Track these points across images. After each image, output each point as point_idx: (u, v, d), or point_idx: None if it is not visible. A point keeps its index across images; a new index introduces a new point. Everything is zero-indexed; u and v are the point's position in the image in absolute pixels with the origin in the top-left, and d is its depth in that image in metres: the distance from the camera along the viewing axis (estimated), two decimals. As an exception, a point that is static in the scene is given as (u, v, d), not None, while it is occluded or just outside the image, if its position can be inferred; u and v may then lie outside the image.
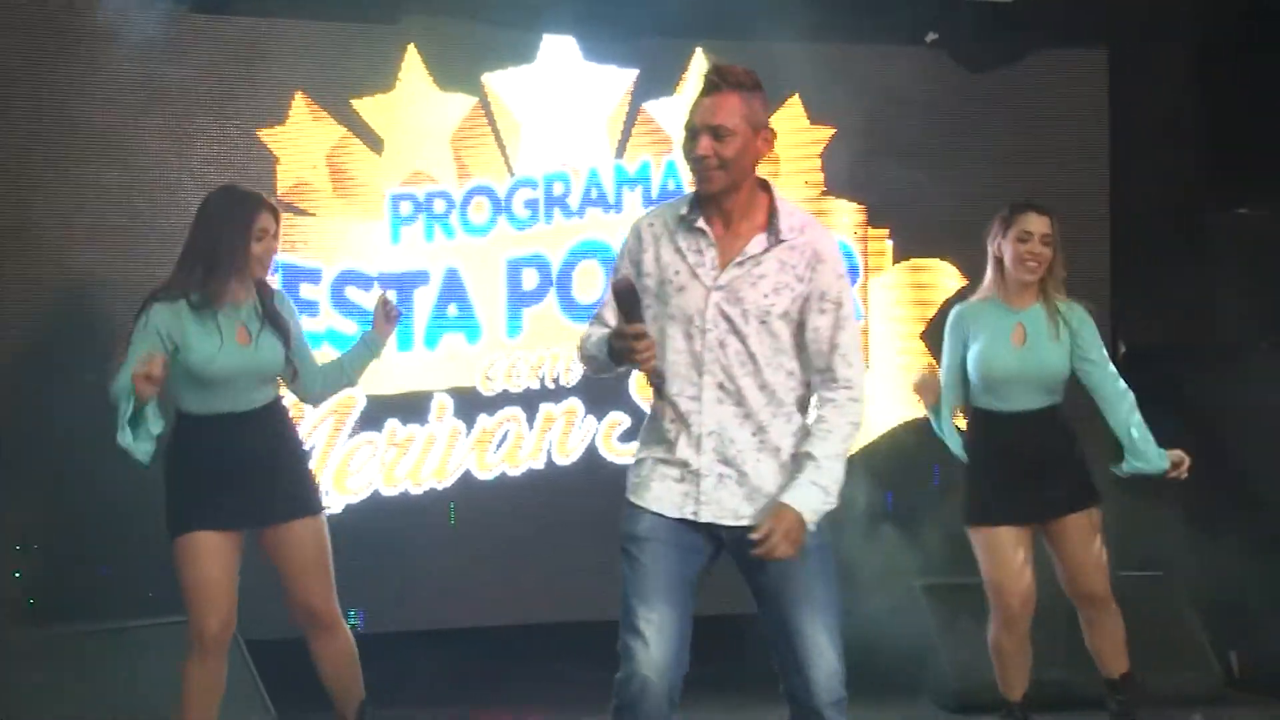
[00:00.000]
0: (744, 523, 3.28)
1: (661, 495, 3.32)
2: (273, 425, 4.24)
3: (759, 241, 3.28)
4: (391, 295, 4.64)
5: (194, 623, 4.13)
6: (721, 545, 3.36)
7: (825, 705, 3.26)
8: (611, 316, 3.37)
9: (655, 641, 3.23)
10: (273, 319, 4.23)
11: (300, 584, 4.23)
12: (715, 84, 3.27)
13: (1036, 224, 4.59)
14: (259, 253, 4.16)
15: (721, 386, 3.27)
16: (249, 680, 5.00)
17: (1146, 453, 4.63)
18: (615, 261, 3.44)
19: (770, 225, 3.29)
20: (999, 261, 4.65)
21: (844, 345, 3.31)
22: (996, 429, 4.64)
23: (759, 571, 3.29)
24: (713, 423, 3.27)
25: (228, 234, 4.12)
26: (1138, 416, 4.63)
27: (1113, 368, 4.69)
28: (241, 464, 4.12)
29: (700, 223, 3.29)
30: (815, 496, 3.24)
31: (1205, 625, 5.66)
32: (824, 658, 3.26)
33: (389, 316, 4.48)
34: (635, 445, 5.67)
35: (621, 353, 3.25)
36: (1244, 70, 6.26)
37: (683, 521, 3.31)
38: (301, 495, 4.26)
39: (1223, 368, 5.96)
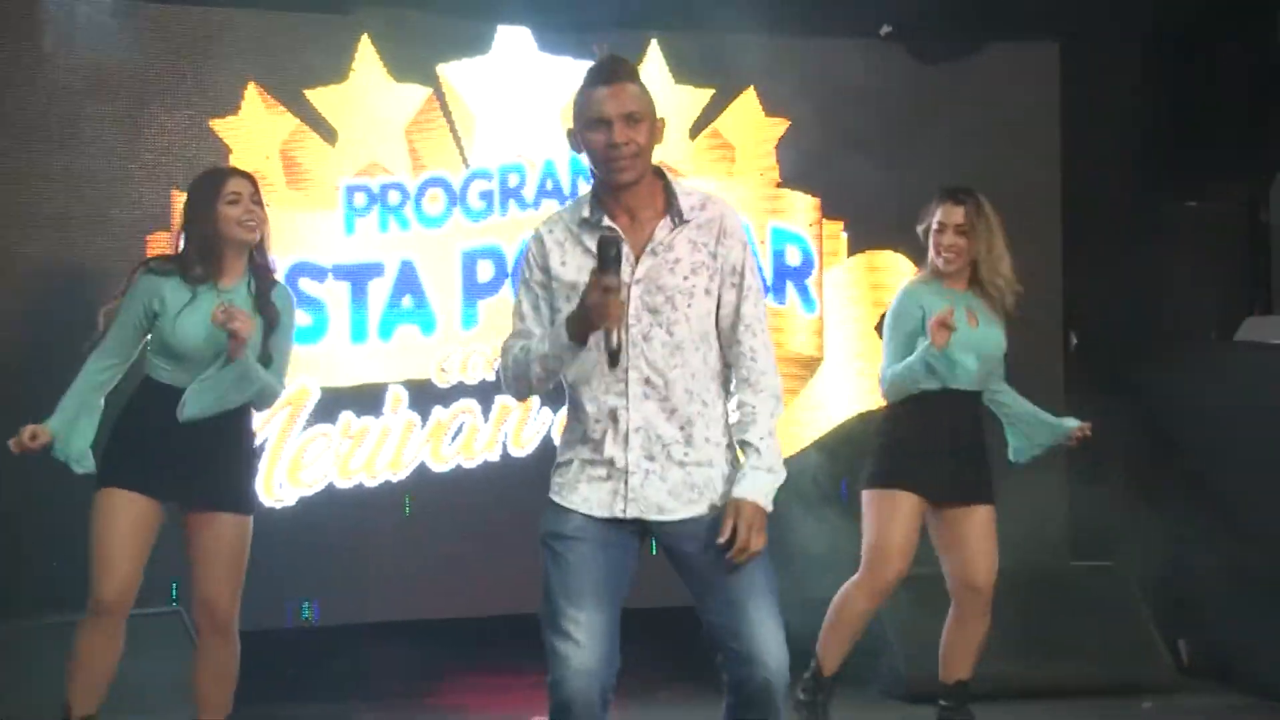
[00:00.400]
0: (669, 518, 3.27)
1: (589, 496, 3.27)
2: (230, 414, 4.18)
3: (664, 226, 3.25)
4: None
5: (92, 584, 4.08)
6: (645, 540, 3.34)
7: (774, 690, 3.24)
8: (536, 327, 3.28)
9: (586, 643, 3.18)
10: (261, 305, 4.17)
11: (209, 577, 4.15)
12: (615, 73, 3.24)
13: (952, 215, 4.61)
14: (236, 214, 4.12)
15: (648, 381, 3.24)
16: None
17: (1061, 423, 4.68)
18: (518, 275, 3.33)
19: (670, 207, 3.27)
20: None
21: (749, 317, 3.30)
22: (924, 404, 4.63)
23: (691, 570, 3.28)
24: (639, 419, 3.24)
25: (203, 207, 4.14)
26: None
27: None
28: (184, 440, 4.07)
29: (606, 221, 3.24)
30: (765, 481, 3.25)
31: (1154, 615, 5.72)
32: (772, 641, 3.24)
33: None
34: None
35: (601, 308, 3.09)
36: (1195, 63, 6.32)
37: (609, 520, 3.27)
38: (235, 490, 4.20)
39: (1172, 359, 6.02)
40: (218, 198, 4.13)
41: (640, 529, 3.30)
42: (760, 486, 3.24)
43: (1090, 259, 6.18)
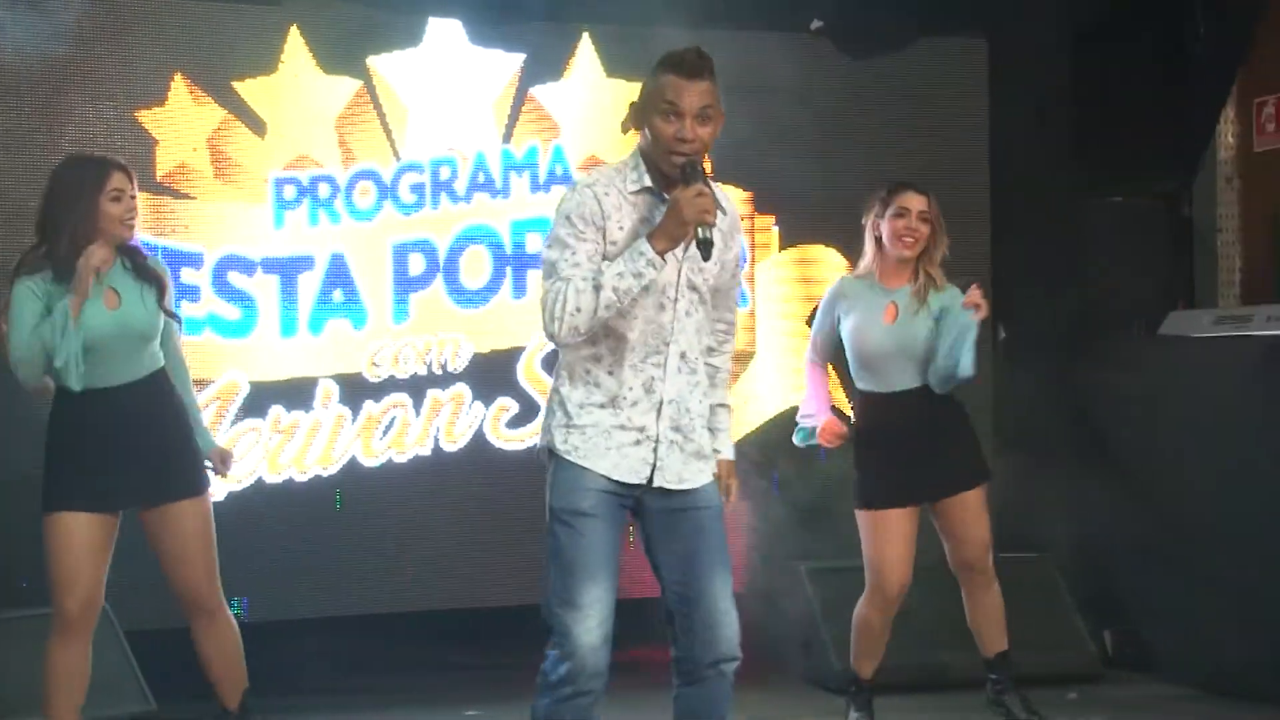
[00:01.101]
0: (685, 486, 3.40)
1: (619, 462, 3.35)
2: (155, 398, 4.15)
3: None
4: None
5: (55, 602, 4.05)
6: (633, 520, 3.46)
7: (725, 665, 3.37)
8: (590, 257, 3.30)
9: (597, 619, 3.29)
10: (144, 274, 4.14)
11: (182, 567, 4.15)
12: (701, 68, 3.34)
13: (914, 201, 4.67)
14: (119, 212, 4.07)
15: (683, 356, 3.40)
16: (128, 670, 4.92)
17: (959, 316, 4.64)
18: (566, 226, 3.34)
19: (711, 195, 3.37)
20: (878, 240, 4.72)
21: (734, 298, 3.62)
22: (880, 411, 4.71)
23: (672, 538, 3.39)
24: (674, 391, 3.38)
25: (83, 201, 4.04)
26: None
27: None
28: (122, 442, 4.05)
29: (665, 194, 3.34)
30: (729, 441, 3.60)
31: (1080, 606, 5.79)
32: (729, 617, 3.38)
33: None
34: (524, 431, 5.77)
35: (700, 210, 3.23)
36: (1119, 60, 6.40)
37: (617, 494, 3.35)
38: (184, 474, 4.17)
39: (1099, 352, 6.09)
40: (100, 192, 4.05)
41: (635, 504, 3.40)
42: (730, 446, 3.60)
43: (1018, 253, 6.24)
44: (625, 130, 3.51)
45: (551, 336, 3.33)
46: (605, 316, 3.27)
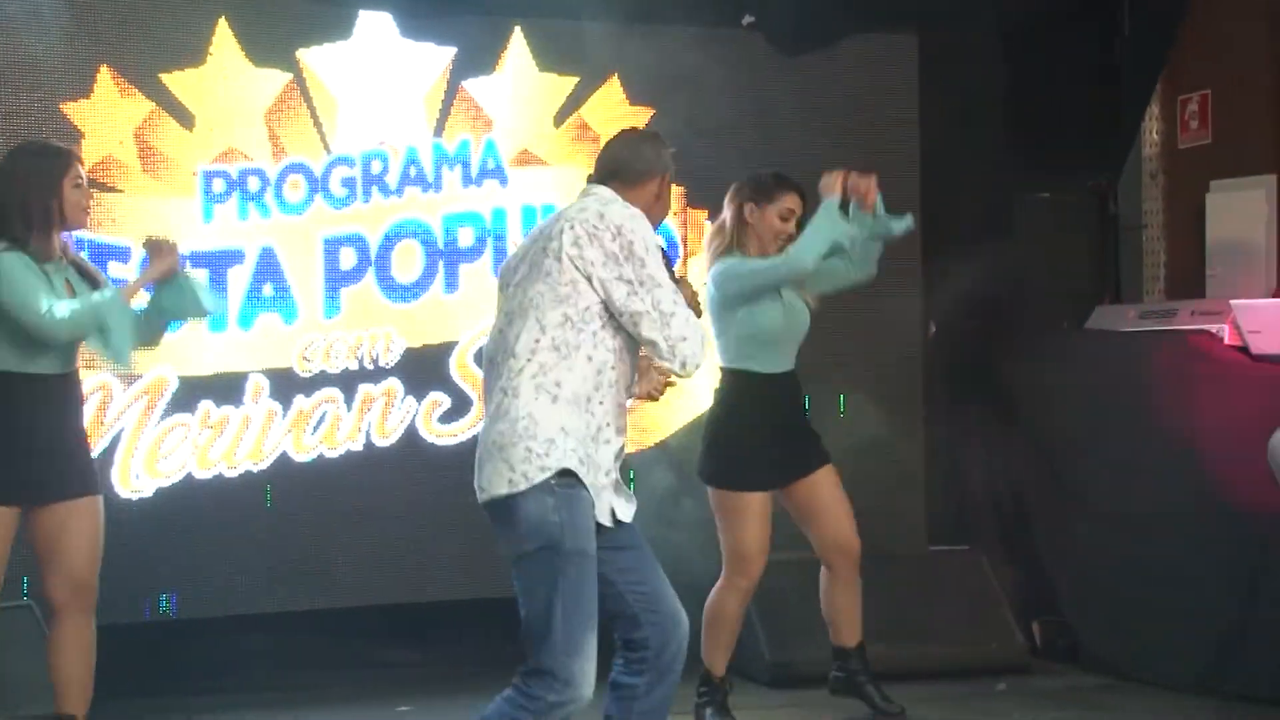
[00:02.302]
0: (627, 517, 3.50)
1: (614, 504, 3.45)
2: (77, 393, 4.19)
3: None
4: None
5: None
6: None
7: (678, 663, 3.45)
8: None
9: (593, 662, 3.34)
10: (86, 274, 4.19)
11: (77, 561, 4.08)
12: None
13: (798, 205, 4.75)
14: (81, 201, 4.13)
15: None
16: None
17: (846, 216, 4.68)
18: (655, 256, 3.43)
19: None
20: (748, 225, 4.75)
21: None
22: (755, 390, 4.72)
23: (623, 550, 3.45)
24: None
25: (49, 187, 4.07)
26: None
27: None
28: (48, 433, 4.04)
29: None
30: None
31: (1009, 598, 5.85)
32: (681, 616, 3.48)
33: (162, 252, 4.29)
34: (457, 425, 5.75)
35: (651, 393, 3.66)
36: (1047, 56, 6.46)
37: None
38: (90, 472, 4.22)
39: (1027, 347, 6.16)
40: (64, 178, 4.08)
41: None
42: None
43: (948, 249, 6.29)
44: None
45: (697, 366, 3.41)
46: None
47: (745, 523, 4.65)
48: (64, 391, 4.12)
